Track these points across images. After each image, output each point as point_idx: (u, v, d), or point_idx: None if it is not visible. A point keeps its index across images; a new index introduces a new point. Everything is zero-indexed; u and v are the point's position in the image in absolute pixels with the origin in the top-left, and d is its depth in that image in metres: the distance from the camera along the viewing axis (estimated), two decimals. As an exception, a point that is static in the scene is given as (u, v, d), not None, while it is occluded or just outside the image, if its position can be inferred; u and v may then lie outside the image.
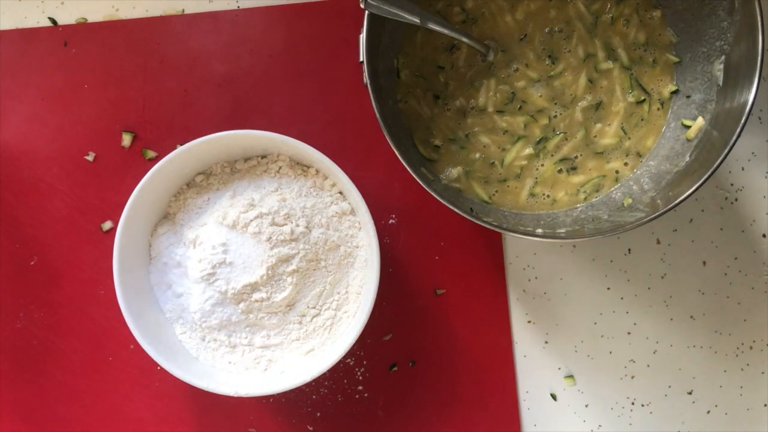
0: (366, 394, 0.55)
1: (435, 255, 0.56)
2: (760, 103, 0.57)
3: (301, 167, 0.52)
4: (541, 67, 0.53)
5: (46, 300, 0.55)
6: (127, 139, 0.56)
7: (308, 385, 0.52)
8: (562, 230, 0.50)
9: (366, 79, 0.45)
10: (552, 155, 0.53)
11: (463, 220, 0.46)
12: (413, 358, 0.56)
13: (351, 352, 0.55)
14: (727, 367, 0.58)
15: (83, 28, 0.56)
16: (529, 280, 0.57)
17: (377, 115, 0.45)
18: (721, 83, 0.48)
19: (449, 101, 0.53)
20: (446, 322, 0.56)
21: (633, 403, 0.58)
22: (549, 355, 0.57)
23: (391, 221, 0.56)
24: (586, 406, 0.57)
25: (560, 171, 0.53)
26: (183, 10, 0.56)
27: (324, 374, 0.48)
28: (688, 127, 0.50)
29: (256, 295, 0.49)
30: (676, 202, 0.45)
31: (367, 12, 0.45)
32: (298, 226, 0.50)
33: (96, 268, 0.55)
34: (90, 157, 0.56)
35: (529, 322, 0.57)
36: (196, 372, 0.49)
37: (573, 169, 0.53)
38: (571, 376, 0.57)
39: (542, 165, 0.53)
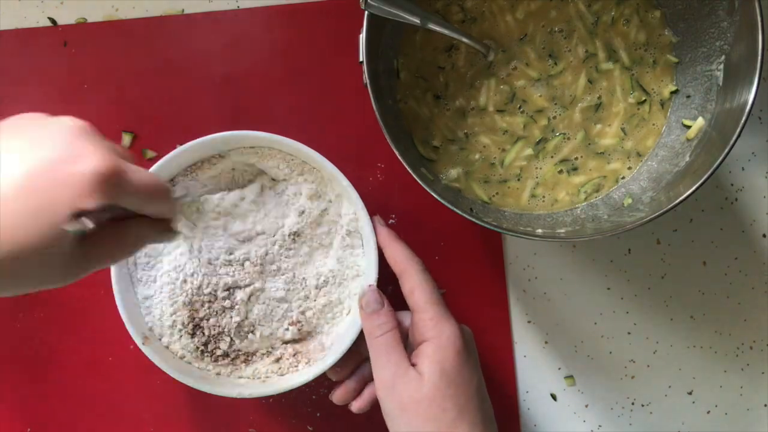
0: (366, 394, 0.55)
1: (435, 255, 0.56)
2: (760, 103, 0.57)
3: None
4: (542, 66, 0.53)
5: (46, 300, 0.55)
6: (126, 139, 0.56)
7: (308, 385, 0.52)
8: (562, 230, 0.50)
9: (366, 79, 0.45)
10: (552, 156, 0.53)
11: (463, 220, 0.46)
12: (413, 358, 0.56)
13: (351, 352, 0.55)
14: (727, 367, 0.58)
15: (83, 28, 0.56)
16: (529, 280, 0.57)
17: (377, 115, 0.45)
18: (721, 83, 0.48)
19: (449, 101, 0.53)
20: (446, 322, 0.56)
21: (633, 403, 0.58)
22: (549, 355, 0.57)
23: (391, 221, 0.56)
24: (586, 406, 0.57)
25: (561, 171, 0.53)
26: (183, 10, 0.56)
27: (324, 374, 0.48)
28: (688, 127, 0.50)
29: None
30: (676, 202, 0.45)
31: (367, 12, 0.45)
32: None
33: (96, 268, 0.55)
34: (90, 157, 0.56)
35: (529, 322, 0.57)
36: (197, 374, 0.49)
37: (574, 170, 0.53)
38: (571, 376, 0.57)
39: (542, 167, 0.53)
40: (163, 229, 0.41)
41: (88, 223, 0.33)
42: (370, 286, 0.47)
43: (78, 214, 0.32)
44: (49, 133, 0.34)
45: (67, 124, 0.34)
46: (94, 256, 0.36)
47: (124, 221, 0.37)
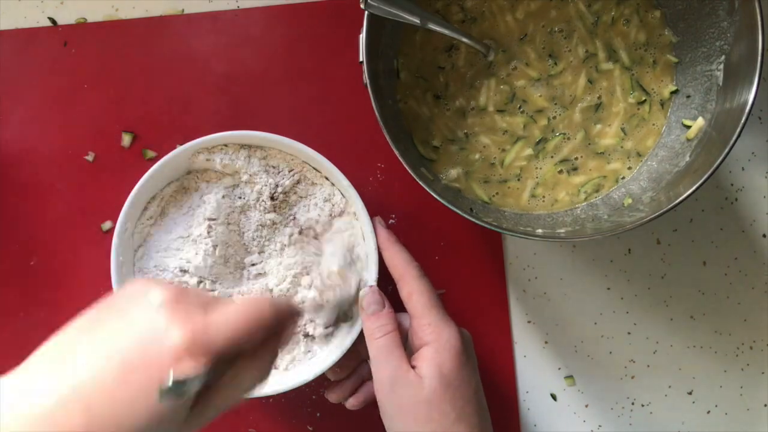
0: (366, 394, 0.55)
1: (435, 255, 0.56)
2: (760, 103, 0.57)
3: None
4: (542, 66, 0.53)
5: (46, 300, 0.55)
6: (126, 139, 0.56)
7: (308, 385, 0.52)
8: (562, 230, 0.50)
9: (366, 79, 0.45)
10: (552, 156, 0.53)
11: (463, 220, 0.46)
12: (413, 358, 0.56)
13: (351, 352, 0.55)
14: (727, 367, 0.58)
15: (83, 28, 0.56)
16: (529, 280, 0.57)
17: (377, 116, 0.45)
18: (721, 83, 0.48)
19: (449, 101, 0.53)
20: (446, 322, 0.56)
21: (633, 403, 0.58)
22: (549, 355, 0.57)
23: (391, 221, 0.56)
24: (586, 406, 0.57)
25: (561, 171, 0.53)
26: (183, 10, 0.56)
27: (324, 374, 0.48)
28: (688, 127, 0.50)
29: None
30: (676, 202, 0.45)
31: (366, 12, 0.45)
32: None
33: (96, 268, 0.55)
34: (90, 157, 0.56)
35: (529, 322, 0.57)
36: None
37: (574, 170, 0.53)
38: (571, 377, 0.57)
39: (542, 167, 0.53)
40: (273, 357, 0.38)
41: (190, 387, 0.32)
42: (371, 287, 0.47)
43: (176, 385, 0.31)
44: (136, 314, 0.33)
45: (156, 299, 0.33)
46: (208, 412, 0.34)
47: (232, 370, 0.35)
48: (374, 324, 0.45)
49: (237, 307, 0.34)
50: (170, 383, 0.30)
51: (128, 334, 0.32)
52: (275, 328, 0.36)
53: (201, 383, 0.32)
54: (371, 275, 0.48)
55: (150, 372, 0.31)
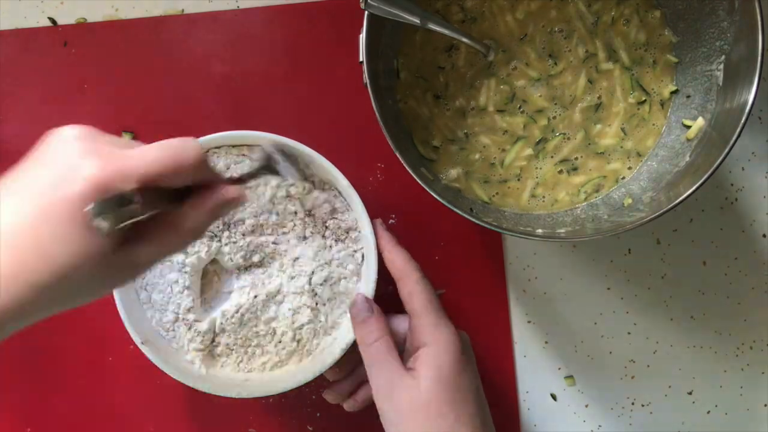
0: (366, 394, 0.55)
1: (435, 255, 0.56)
2: (760, 103, 0.57)
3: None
4: (542, 66, 0.53)
5: (46, 300, 0.55)
6: (126, 139, 0.55)
7: (308, 385, 0.52)
8: (562, 230, 0.50)
9: (366, 79, 0.45)
10: (552, 156, 0.53)
11: (463, 220, 0.46)
12: (413, 358, 0.56)
13: (351, 352, 0.55)
14: (727, 367, 0.58)
15: (83, 28, 0.56)
16: (529, 280, 0.57)
17: (377, 116, 0.45)
18: (721, 83, 0.48)
19: (449, 101, 0.53)
20: (446, 322, 0.56)
21: (633, 403, 0.58)
22: (549, 355, 0.57)
23: (391, 221, 0.56)
24: (586, 406, 0.57)
25: (561, 171, 0.53)
26: (183, 10, 0.56)
27: (323, 374, 0.48)
28: (688, 127, 0.50)
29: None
30: (676, 202, 0.45)
31: (367, 12, 0.45)
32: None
33: (96, 268, 0.55)
34: (90, 157, 0.56)
35: (529, 322, 0.57)
36: (197, 374, 0.49)
37: (574, 170, 0.53)
38: (571, 377, 0.57)
39: (542, 167, 0.53)
40: (223, 198, 0.36)
41: (116, 207, 0.31)
42: (358, 294, 0.48)
43: (100, 204, 0.31)
44: (48, 155, 0.34)
45: (65, 136, 0.34)
46: (142, 253, 0.34)
47: (158, 211, 0.34)
48: (364, 330, 0.45)
49: (157, 144, 0.35)
50: (92, 204, 0.31)
51: (45, 174, 0.32)
52: (201, 175, 0.36)
53: (125, 207, 0.32)
54: (371, 276, 0.48)
55: (69, 204, 0.31)
